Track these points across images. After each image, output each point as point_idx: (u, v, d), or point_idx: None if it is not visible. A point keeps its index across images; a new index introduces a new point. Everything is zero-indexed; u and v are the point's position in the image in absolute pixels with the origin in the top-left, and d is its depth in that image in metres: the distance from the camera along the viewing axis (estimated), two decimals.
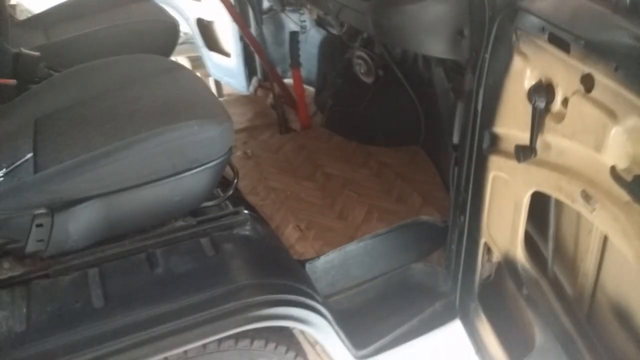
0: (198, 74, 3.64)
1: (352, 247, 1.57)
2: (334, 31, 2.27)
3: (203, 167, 1.28)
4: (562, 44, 0.87)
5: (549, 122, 0.95)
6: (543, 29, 0.92)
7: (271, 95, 2.56)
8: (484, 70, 1.20)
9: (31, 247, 1.16)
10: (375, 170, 1.92)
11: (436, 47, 1.33)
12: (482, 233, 1.36)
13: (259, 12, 2.11)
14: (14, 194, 1.14)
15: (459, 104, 1.47)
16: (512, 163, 1.11)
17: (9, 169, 1.21)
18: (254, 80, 2.69)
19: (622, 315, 0.99)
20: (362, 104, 2.10)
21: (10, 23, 2.16)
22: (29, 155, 1.25)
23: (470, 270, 1.49)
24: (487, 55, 1.16)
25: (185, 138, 1.24)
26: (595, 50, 0.79)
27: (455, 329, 1.67)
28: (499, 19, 1.09)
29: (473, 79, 1.29)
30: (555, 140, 0.95)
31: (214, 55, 3.22)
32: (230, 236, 1.38)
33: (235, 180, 1.49)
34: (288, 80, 2.74)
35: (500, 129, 1.17)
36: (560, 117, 0.92)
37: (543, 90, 0.93)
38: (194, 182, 1.28)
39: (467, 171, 1.41)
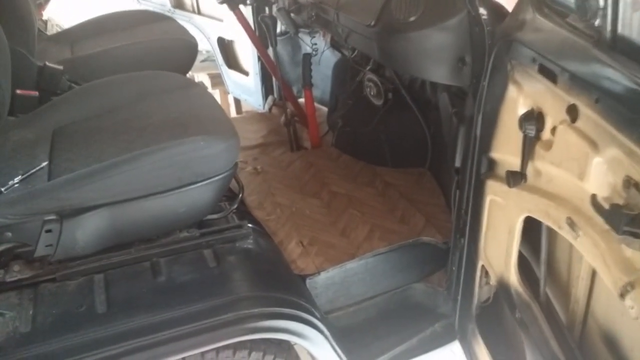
0: (217, 91, 3.75)
1: (352, 265, 1.59)
2: (347, 53, 2.33)
3: (208, 181, 1.33)
4: (550, 75, 0.91)
5: (539, 149, 0.98)
6: (534, 60, 0.95)
7: (284, 114, 2.62)
8: (482, 96, 1.23)
9: (40, 251, 1.22)
10: (380, 190, 1.95)
11: (438, 73, 1.37)
12: (480, 256, 1.38)
13: (273, 34, 2.17)
14: (26, 200, 1.20)
15: (461, 128, 1.50)
16: (506, 188, 1.13)
17: (24, 176, 1.27)
18: (269, 99, 2.76)
19: (611, 343, 1.00)
20: (370, 125, 2.14)
21: (39, 38, 2.27)
22: (45, 163, 1.32)
23: (468, 292, 1.50)
24: (485, 83, 1.19)
25: (191, 152, 1.29)
26: (579, 83, 0.82)
27: (455, 350, 1.67)
28: (496, 48, 1.12)
29: (474, 105, 1.32)
30: (545, 167, 0.97)
31: (233, 74, 3.31)
32: (232, 249, 1.42)
33: (240, 195, 1.54)
34: (303, 100, 2.81)
35: (496, 154, 1.20)
36: (549, 145, 0.94)
37: (533, 119, 0.96)
38: (198, 195, 1.33)
39: (467, 194, 1.44)
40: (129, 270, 1.33)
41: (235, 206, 1.52)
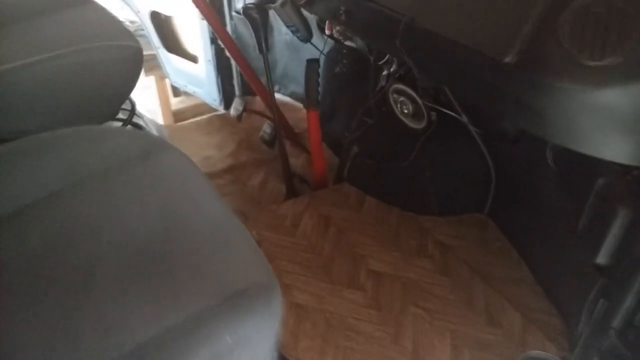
0: (152, 77, 2.94)
1: None
2: (352, 44, 1.65)
3: None
4: None
5: None
6: None
7: (266, 128, 1.93)
8: None
9: None
10: (439, 261, 1.37)
11: (616, 150, 0.78)
12: None
13: (264, 34, 1.45)
14: None
15: (619, 212, 0.94)
16: None
17: None
18: (237, 102, 2.04)
19: None
20: (405, 156, 1.52)
21: None
22: None
23: None
24: None
25: None
26: None
27: None
28: None
29: None
30: None
31: (175, 59, 2.54)
32: None
33: None
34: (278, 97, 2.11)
35: None
36: None
37: None
38: None
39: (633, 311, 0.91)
40: None
41: None
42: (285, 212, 1.52)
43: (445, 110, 1.34)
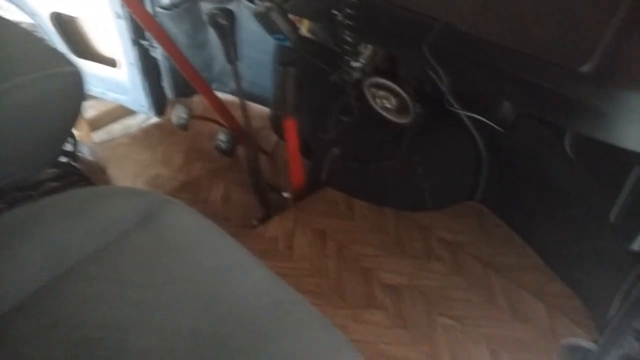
0: None
1: None
2: (309, 35, 1.51)
3: None
4: None
5: None
6: None
7: (221, 137, 1.74)
8: None
9: None
10: (449, 262, 1.31)
11: None
12: None
13: (232, 41, 1.26)
14: None
15: None
16: None
17: None
18: (180, 110, 1.81)
19: None
20: (394, 154, 1.43)
21: None
22: None
23: None
24: None
25: None
26: None
27: None
28: None
29: None
30: None
31: (87, 65, 2.23)
32: None
33: None
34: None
35: None
36: None
37: None
38: None
39: None
40: None
41: None
42: (274, 234, 1.38)
43: (456, 108, 1.24)
